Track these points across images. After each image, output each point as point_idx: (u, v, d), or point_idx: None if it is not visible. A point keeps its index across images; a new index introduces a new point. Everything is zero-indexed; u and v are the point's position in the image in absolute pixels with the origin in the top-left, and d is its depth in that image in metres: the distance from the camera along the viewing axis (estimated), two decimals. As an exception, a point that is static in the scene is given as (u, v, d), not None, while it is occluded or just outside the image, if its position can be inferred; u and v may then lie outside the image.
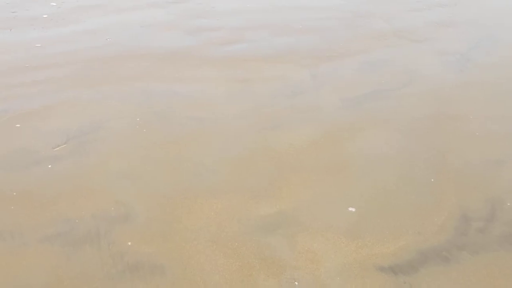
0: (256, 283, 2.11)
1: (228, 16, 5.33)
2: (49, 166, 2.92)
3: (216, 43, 4.64)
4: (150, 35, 4.80)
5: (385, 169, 2.97)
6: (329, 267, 2.21)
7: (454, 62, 4.34)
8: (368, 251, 2.31)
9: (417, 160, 3.04)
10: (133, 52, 4.38)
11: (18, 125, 3.33)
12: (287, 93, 3.81)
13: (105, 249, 2.29)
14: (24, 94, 3.69)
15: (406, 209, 2.62)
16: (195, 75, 4.05)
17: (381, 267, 2.22)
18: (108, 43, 4.55)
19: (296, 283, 2.12)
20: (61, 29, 4.88)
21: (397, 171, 2.95)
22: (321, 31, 4.95)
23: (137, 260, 2.23)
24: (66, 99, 3.64)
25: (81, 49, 4.44)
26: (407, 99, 3.78)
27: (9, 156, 3.01)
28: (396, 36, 4.85)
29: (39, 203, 2.62)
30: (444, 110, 3.64)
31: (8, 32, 4.85)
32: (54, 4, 5.55)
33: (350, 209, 2.62)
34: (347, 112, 3.59)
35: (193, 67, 4.18)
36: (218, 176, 2.87)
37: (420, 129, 3.36)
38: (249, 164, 2.97)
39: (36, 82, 3.86)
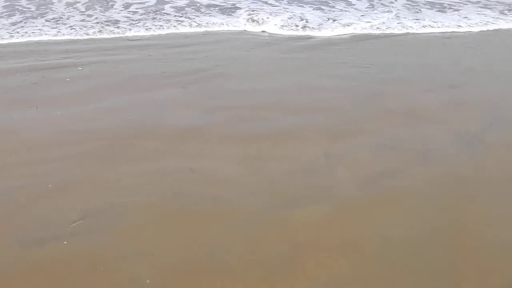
0: None
1: (243, 96, 5.58)
2: (65, 242, 2.98)
3: (231, 121, 4.82)
4: (168, 114, 5.01)
5: (401, 249, 2.97)
6: None
7: (468, 142, 4.42)
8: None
9: (434, 241, 3.04)
10: (151, 130, 4.57)
11: (37, 201, 3.43)
12: (301, 172, 3.89)
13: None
14: (45, 170, 3.85)
15: (423, 292, 2.43)
16: (211, 153, 4.18)
17: None
18: (128, 122, 4.75)
19: None
20: (84, 107, 5.15)
21: (413, 252, 2.95)
22: (334, 110, 5.11)
23: None
24: (85, 176, 3.77)
25: (101, 127, 4.65)
26: (421, 179, 3.82)
27: (26, 231, 3.08)
28: (409, 116, 4.98)
29: (53, 280, 2.69)
30: (459, 190, 3.67)
31: (34, 110, 5.12)
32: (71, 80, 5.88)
33: (366, 291, 2.45)
34: (361, 191, 3.62)
35: (208, 145, 4.31)
36: (232, 256, 2.89)
37: (436, 210, 3.37)
38: (264, 244, 3.00)
39: (56, 159, 4.03)
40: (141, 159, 4.03)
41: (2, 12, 8.52)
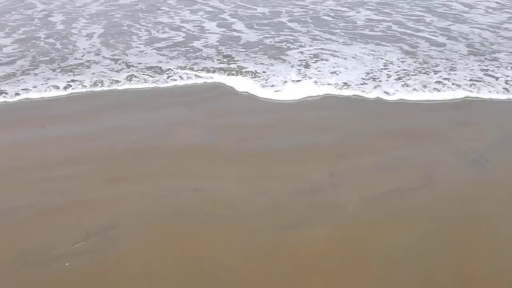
0: None
1: (248, 115, 5.65)
2: (67, 264, 2.97)
3: (236, 140, 4.87)
4: (173, 133, 5.06)
5: (408, 271, 2.94)
6: None
7: (474, 161, 4.39)
8: None
9: (441, 263, 3.00)
10: (156, 149, 4.61)
11: (40, 220, 3.44)
12: (306, 191, 3.88)
13: None
14: (49, 189, 3.88)
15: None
16: (215, 172, 4.17)
17: None
18: (133, 141, 4.80)
19: None
20: (90, 126, 5.27)
21: (420, 274, 2.91)
22: (339, 129, 5.16)
23: None
24: (89, 195, 3.79)
25: (107, 146, 4.69)
26: (427, 199, 3.78)
27: (29, 252, 3.09)
28: (414, 135, 5.00)
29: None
30: (465, 211, 3.63)
31: (40, 129, 5.22)
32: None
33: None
34: (367, 211, 3.60)
35: (213, 164, 4.30)
36: (237, 276, 2.88)
37: (443, 230, 3.35)
38: (269, 264, 2.98)
39: (61, 177, 4.07)
40: (144, 178, 4.04)
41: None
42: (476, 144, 4.69)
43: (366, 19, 10.97)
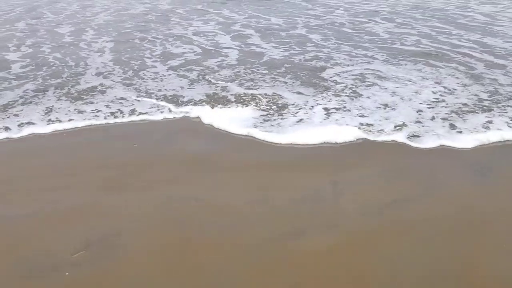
0: None
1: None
2: (67, 273, 2.65)
3: (237, 150, 4.20)
4: (174, 141, 4.43)
5: (409, 281, 2.57)
6: None
7: (476, 171, 3.75)
8: None
9: (443, 272, 2.64)
10: (157, 158, 4.07)
11: (40, 229, 3.11)
12: (308, 200, 3.37)
13: None
14: (52, 198, 3.47)
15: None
16: (217, 181, 3.68)
17: None
18: (135, 149, 4.27)
19: None
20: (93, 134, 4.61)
21: (421, 283, 2.56)
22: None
23: None
24: (89, 204, 3.40)
25: (109, 155, 4.17)
26: (429, 208, 3.28)
27: (29, 261, 2.78)
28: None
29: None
30: (468, 219, 3.16)
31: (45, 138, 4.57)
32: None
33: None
34: (368, 220, 3.15)
35: (214, 173, 3.80)
36: (238, 285, 2.56)
37: (445, 240, 2.93)
38: (270, 273, 2.65)
39: (61, 186, 3.63)
40: (144, 186, 3.62)
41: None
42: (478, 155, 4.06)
43: (387, 31, 9.47)
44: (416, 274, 2.58)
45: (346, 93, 5.33)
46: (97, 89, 5.73)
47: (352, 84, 5.64)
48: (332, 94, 5.29)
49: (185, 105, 5.09)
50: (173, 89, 5.70)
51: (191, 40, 8.55)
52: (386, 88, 5.45)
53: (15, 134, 4.52)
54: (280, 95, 5.26)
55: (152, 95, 5.49)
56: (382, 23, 10.15)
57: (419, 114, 4.67)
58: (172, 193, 3.46)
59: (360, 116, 4.62)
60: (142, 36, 8.92)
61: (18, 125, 4.68)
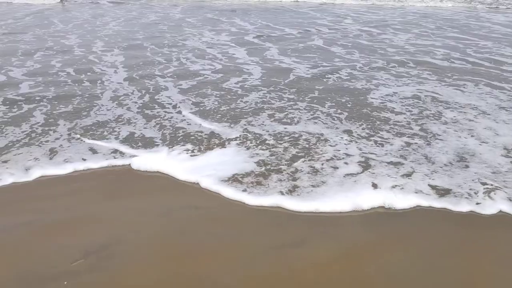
0: None
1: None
2: (65, 282, 2.29)
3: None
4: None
5: None
6: None
7: None
8: None
9: (443, 282, 2.21)
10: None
11: (39, 238, 2.64)
12: None
13: None
14: (51, 207, 2.90)
15: None
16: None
17: None
18: None
19: None
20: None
21: None
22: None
23: None
24: (88, 213, 2.86)
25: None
26: (427, 219, 2.61)
27: (27, 270, 2.39)
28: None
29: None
30: (465, 230, 2.52)
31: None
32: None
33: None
34: (369, 230, 2.62)
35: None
36: None
37: (446, 250, 2.42)
38: (270, 284, 2.28)
39: (60, 195, 3.01)
40: (144, 196, 3.04)
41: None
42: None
43: (409, 43, 8.00)
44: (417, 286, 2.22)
45: (412, 130, 3.61)
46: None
47: (416, 115, 3.92)
48: (393, 134, 3.54)
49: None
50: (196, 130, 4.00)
51: (204, 53, 6.84)
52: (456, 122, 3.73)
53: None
54: (326, 137, 3.54)
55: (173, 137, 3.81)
56: (398, 33, 8.53)
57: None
58: (171, 203, 2.96)
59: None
60: (153, 48, 7.22)
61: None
